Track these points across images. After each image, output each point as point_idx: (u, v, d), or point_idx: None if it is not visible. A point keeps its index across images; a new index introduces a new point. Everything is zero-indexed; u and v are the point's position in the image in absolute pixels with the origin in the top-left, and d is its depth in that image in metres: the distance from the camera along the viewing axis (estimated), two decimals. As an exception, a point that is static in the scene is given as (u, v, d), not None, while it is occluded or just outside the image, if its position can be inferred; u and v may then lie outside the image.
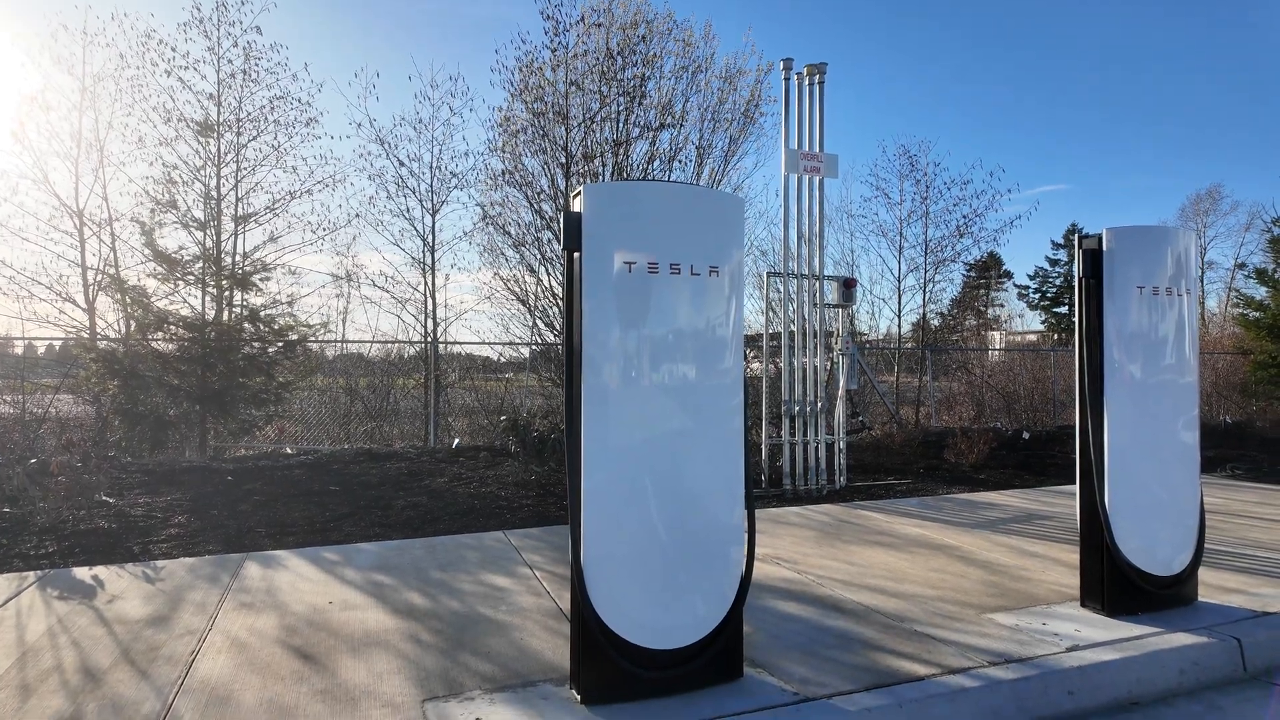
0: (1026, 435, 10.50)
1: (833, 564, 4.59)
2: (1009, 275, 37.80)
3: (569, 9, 9.90)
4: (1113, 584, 3.73)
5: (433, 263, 11.60)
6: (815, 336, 7.08)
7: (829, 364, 7.81)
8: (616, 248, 2.85)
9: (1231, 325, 17.00)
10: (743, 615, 2.96)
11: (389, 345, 12.04)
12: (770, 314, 7.50)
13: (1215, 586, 4.09)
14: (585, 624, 2.68)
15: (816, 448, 7.06)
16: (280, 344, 9.30)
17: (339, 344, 12.45)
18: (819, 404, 7.07)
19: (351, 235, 17.16)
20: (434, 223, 11.49)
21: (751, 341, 11.16)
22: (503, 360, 13.05)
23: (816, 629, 3.49)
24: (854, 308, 8.17)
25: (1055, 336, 32.52)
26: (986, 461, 8.44)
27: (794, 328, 7.10)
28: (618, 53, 9.69)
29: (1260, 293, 14.08)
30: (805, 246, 7.03)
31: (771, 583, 4.18)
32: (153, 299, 9.35)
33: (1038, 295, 38.02)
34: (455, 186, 11.51)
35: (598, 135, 9.76)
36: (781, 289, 7.22)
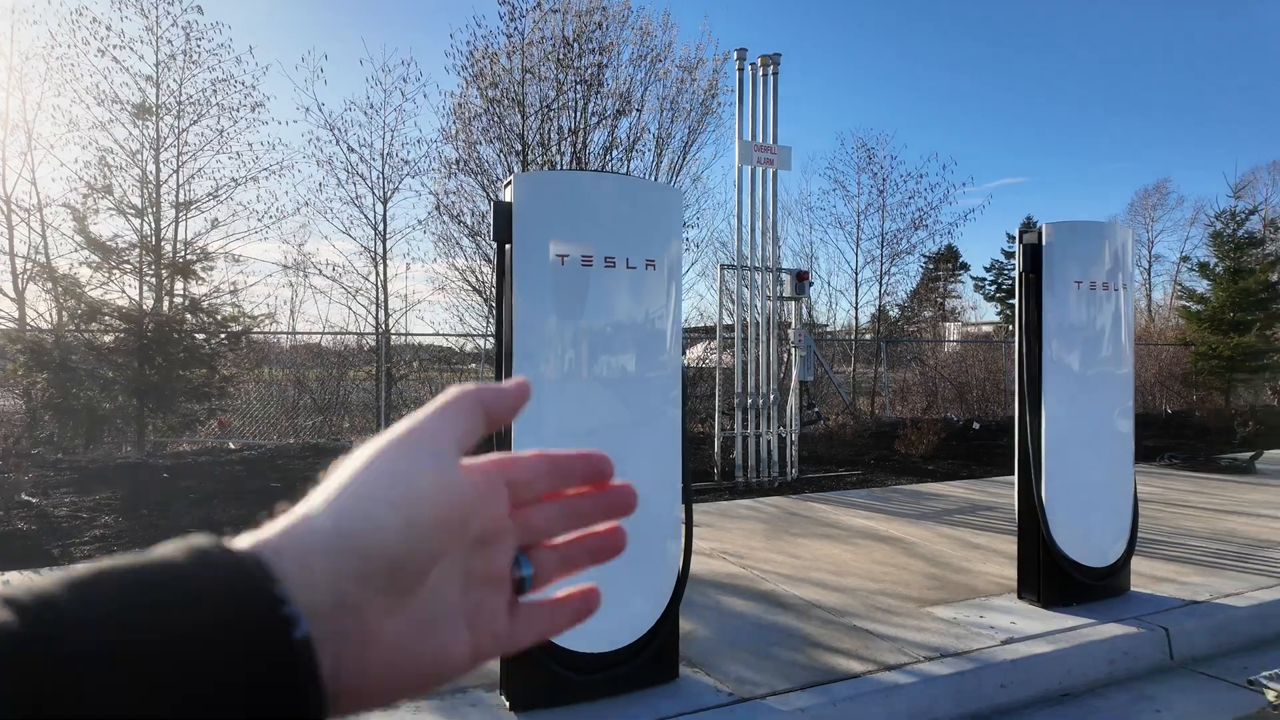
0: (977, 425, 10.68)
1: (778, 558, 4.59)
2: (966, 267, 38.51)
3: (524, -6, 9.72)
4: (1048, 576, 3.78)
5: (384, 252, 11.35)
6: (769, 329, 7.07)
7: (784, 356, 7.83)
8: (549, 239, 2.76)
9: (1176, 317, 17.54)
10: (679, 614, 2.91)
11: (340, 336, 11.75)
12: (726, 306, 7.48)
13: (1148, 576, 4.17)
14: (514, 628, 2.61)
15: (769, 440, 7.07)
16: (223, 335, 9.00)
17: (287, 335, 12.14)
18: (772, 396, 7.07)
19: (300, 223, 16.70)
20: (385, 211, 11.24)
21: (707, 333, 11.14)
22: (466, 351, 12.85)
23: (758, 625, 3.47)
24: (808, 300, 8.18)
25: (1009, 328, 33.24)
26: (936, 452, 8.55)
27: (748, 319, 7.09)
28: (574, 39, 9.53)
29: (1203, 286, 14.55)
30: (760, 239, 7.01)
31: (716, 578, 4.15)
32: (86, 288, 8.97)
33: (993, 287, 38.79)
34: (408, 174, 11.27)
35: (555, 123, 9.62)
36: (735, 281, 7.18)
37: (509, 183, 2.79)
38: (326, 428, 10.21)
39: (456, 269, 10.85)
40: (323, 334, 12.00)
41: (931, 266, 33.98)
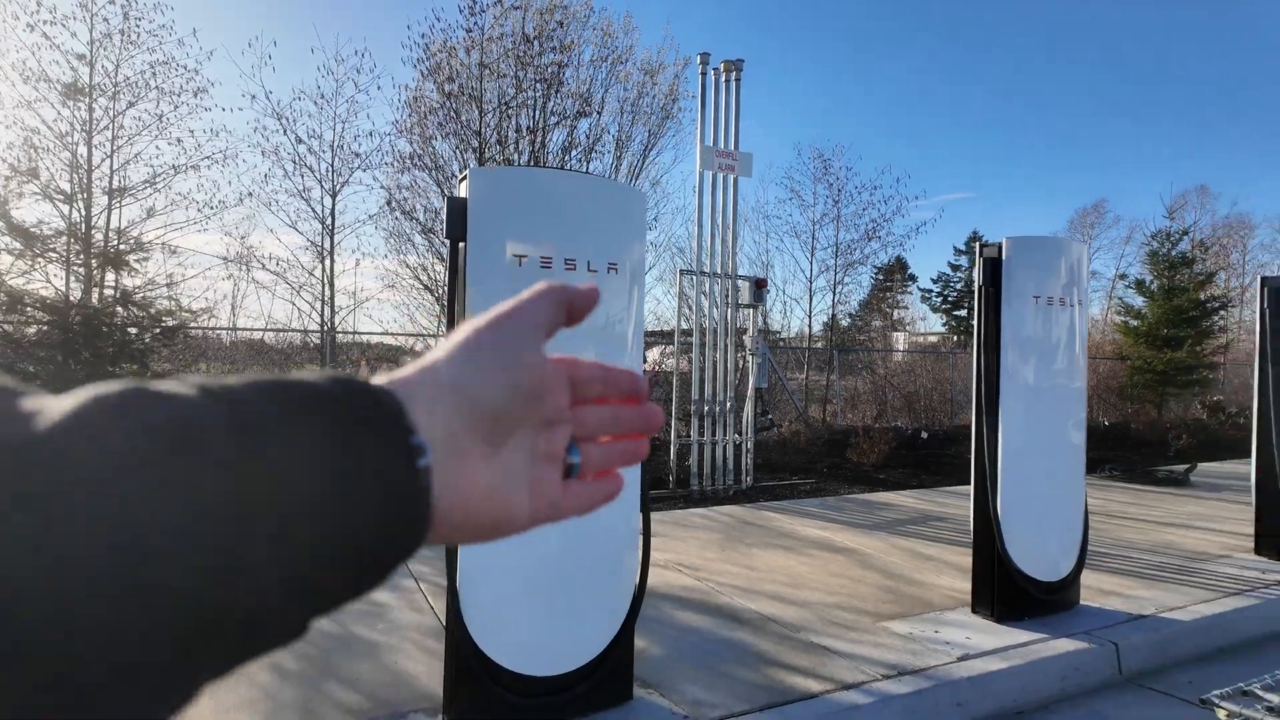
0: (925, 435, 10.84)
1: (734, 569, 4.51)
2: (914, 279, 39.39)
3: (486, -12, 9.50)
4: (1002, 590, 3.78)
5: (332, 247, 10.96)
6: (727, 335, 7.02)
7: (740, 363, 7.79)
8: (506, 238, 2.63)
9: (1112, 332, 18.17)
10: (634, 632, 2.80)
11: (284, 334, 11.32)
12: (683, 311, 7.40)
13: (1095, 589, 4.21)
14: (459, 650, 2.46)
15: (725, 447, 7.01)
16: (158, 330, 8.54)
17: (227, 331, 11.64)
18: (729, 403, 7.02)
19: (243, 215, 16.06)
20: (334, 204, 10.85)
21: (663, 337, 11.07)
22: (417, 350, 12.48)
23: (714, 642, 3.37)
24: (765, 307, 8.16)
25: (955, 339, 34.09)
26: (887, 461, 8.63)
27: (706, 326, 7.02)
28: (535, 37, 9.36)
29: (1139, 302, 15.09)
30: (719, 245, 6.96)
31: (672, 591, 4.05)
32: (7, 277, 8.41)
33: (940, 299, 39.82)
34: (359, 167, 10.89)
35: (514, 121, 9.42)
36: (694, 287, 7.11)
37: (464, 177, 2.65)
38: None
39: (408, 266, 10.54)
40: (265, 330, 11.54)
41: (882, 277, 34.67)
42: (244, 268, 11.42)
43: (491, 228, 2.62)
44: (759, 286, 7.14)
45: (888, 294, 36.93)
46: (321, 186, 10.89)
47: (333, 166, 10.82)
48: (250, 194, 10.68)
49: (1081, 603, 4.02)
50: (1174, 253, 14.81)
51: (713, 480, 6.96)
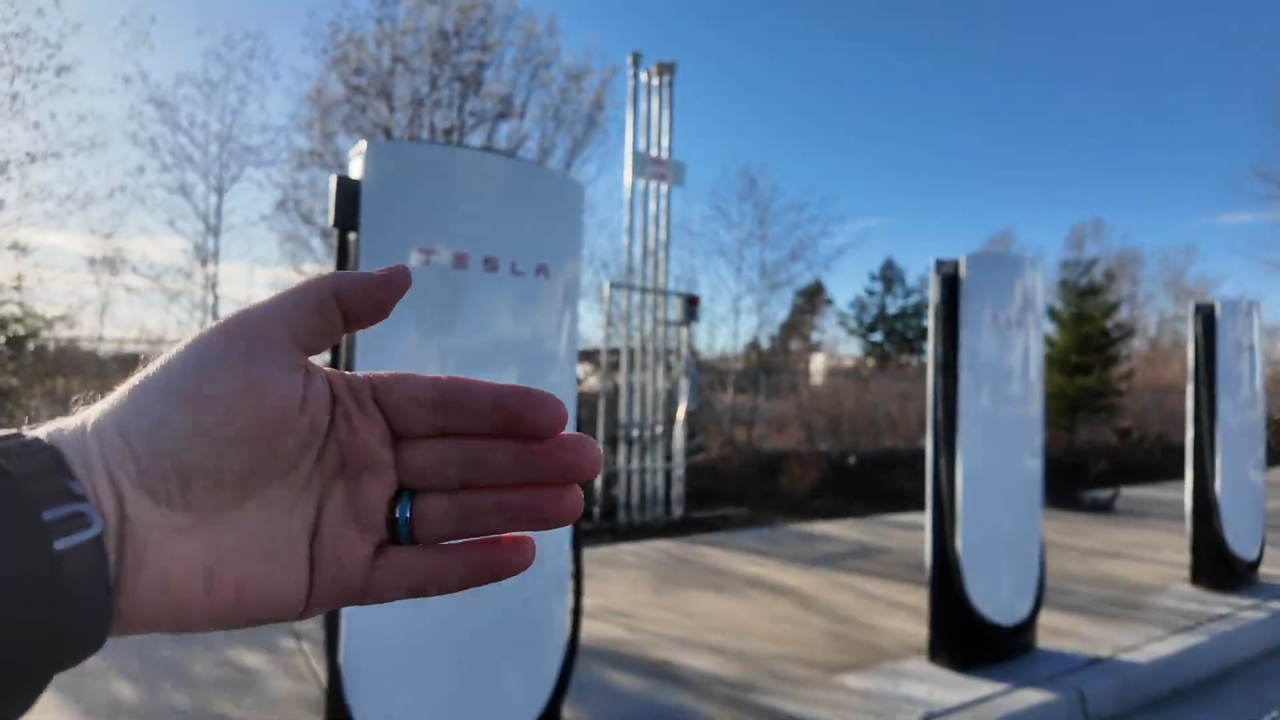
0: (853, 459, 10.73)
1: (670, 616, 4.06)
2: (831, 302, 40.29)
3: (399, -21, 8.91)
4: (962, 637, 3.47)
5: (217, 249, 10.01)
6: (658, 355, 6.62)
7: (669, 384, 7.39)
8: (410, 231, 2.13)
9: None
10: (563, 705, 2.31)
11: (157, 345, 10.20)
12: (610, 329, 6.95)
13: (1048, 629, 3.97)
14: (337, 751, 1.91)
15: (655, 475, 6.58)
16: (3, 339, 7.45)
17: (90, 342, 10.43)
18: (659, 427, 6.60)
19: (110, 211, 14.48)
20: (220, 202, 9.90)
21: (587, 356, 10.60)
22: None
23: (653, 709, 2.90)
24: (692, 326, 7.82)
25: (869, 361, 34.97)
26: (819, 488, 8.39)
27: (634, 344, 6.60)
28: (454, 33, 8.83)
29: (1049, 329, 15.64)
30: (650, 259, 6.57)
31: (601, 645, 3.55)
32: None
33: (856, 322, 40.91)
34: (250, 163, 10.04)
35: (428, 120, 8.81)
36: (623, 302, 6.67)
37: (359, 151, 2.13)
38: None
39: (303, 274, 9.67)
40: (137, 342, 10.37)
41: (801, 300, 35.27)
42: (111, 270, 10.27)
43: (391, 216, 2.11)
44: (691, 304, 6.78)
45: (807, 316, 37.66)
46: (206, 182, 9.93)
47: (220, 161, 9.89)
48: (122, 187, 9.60)
49: (1039, 645, 3.77)
50: (1083, 281, 15.44)
51: (642, 511, 6.51)
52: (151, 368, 0.27)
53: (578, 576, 2.44)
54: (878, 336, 39.24)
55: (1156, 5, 52.80)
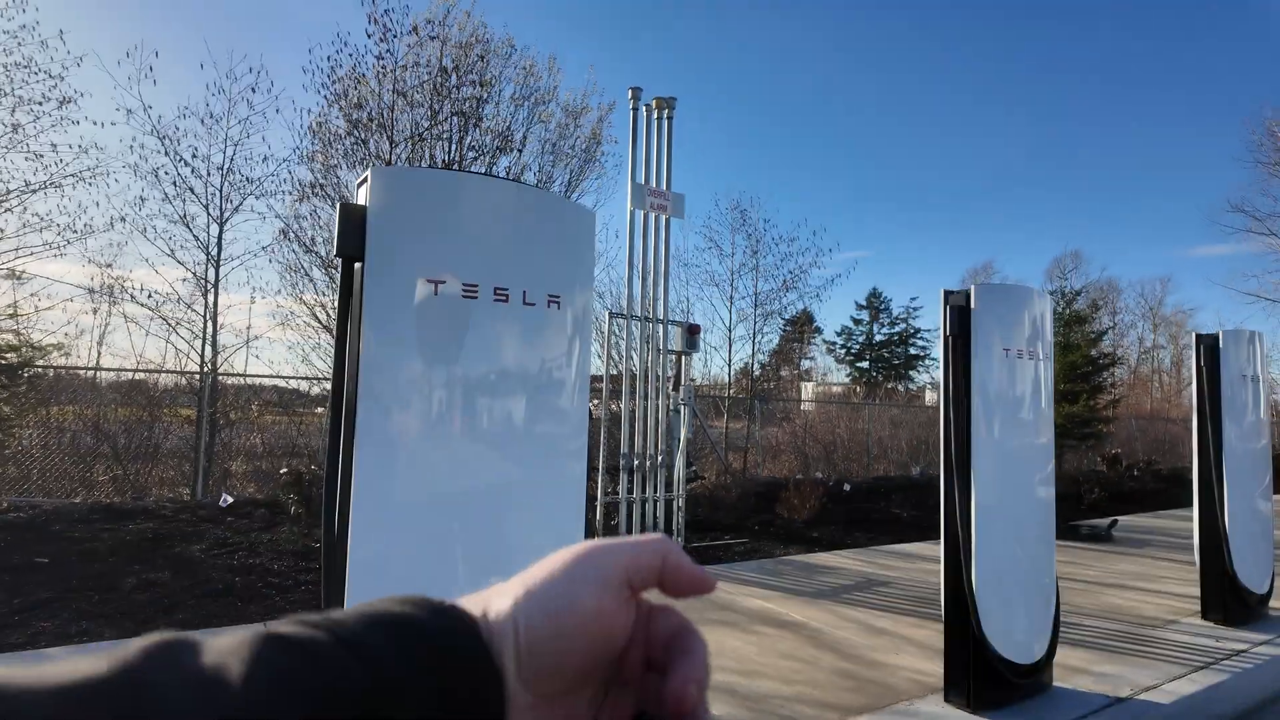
0: (848, 487, 10.63)
1: (675, 654, 3.93)
2: (819, 331, 40.44)
3: (400, 17, 8.93)
4: (978, 677, 3.37)
5: (217, 280, 9.88)
6: (660, 385, 6.54)
7: (669, 412, 7.30)
8: (417, 260, 2.06)
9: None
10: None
11: (157, 375, 10.00)
12: (610, 358, 6.87)
13: (1061, 665, 3.87)
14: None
15: (655, 505, 6.46)
16: (-6, 368, 7.30)
17: (87, 371, 10.23)
18: (660, 457, 6.50)
19: (109, 241, 14.37)
20: (221, 233, 9.80)
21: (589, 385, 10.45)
22: (313, 395, 11.24)
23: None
24: (695, 355, 7.74)
25: (856, 389, 35.04)
26: (817, 517, 8.28)
27: (635, 373, 6.52)
28: (453, 69, 8.84)
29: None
30: (649, 288, 6.52)
31: (605, 686, 3.42)
32: None
33: (843, 351, 41.08)
34: (252, 194, 9.92)
35: (428, 154, 8.78)
36: (623, 332, 6.60)
37: (365, 179, 2.06)
38: (129, 482, 8.50)
39: (304, 303, 9.55)
40: (135, 371, 10.14)
41: (791, 329, 35.42)
42: (110, 299, 10.11)
43: (399, 245, 2.04)
44: (692, 333, 6.72)
45: (796, 345, 37.75)
46: (208, 213, 9.83)
47: (221, 191, 9.81)
48: (123, 218, 9.49)
49: (1055, 683, 3.67)
50: (1069, 310, 15.54)
51: (640, 542, 6.37)
52: (537, 576, 0.34)
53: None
54: (864, 364, 39.53)
55: (1133, 42, 54.20)
